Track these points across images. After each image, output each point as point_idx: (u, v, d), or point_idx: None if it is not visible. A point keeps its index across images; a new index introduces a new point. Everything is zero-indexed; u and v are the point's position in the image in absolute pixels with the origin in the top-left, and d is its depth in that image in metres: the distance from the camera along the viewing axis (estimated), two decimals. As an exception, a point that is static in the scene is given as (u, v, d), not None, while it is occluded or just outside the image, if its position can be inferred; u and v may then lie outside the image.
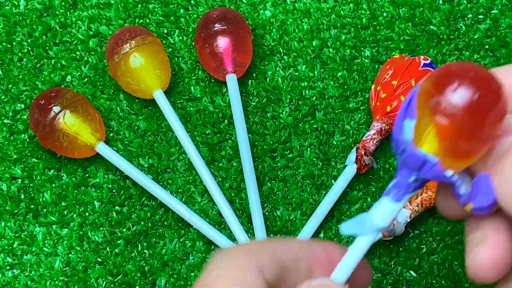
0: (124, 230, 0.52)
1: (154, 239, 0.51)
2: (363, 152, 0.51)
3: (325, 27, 0.58)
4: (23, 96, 0.56)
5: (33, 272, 0.51)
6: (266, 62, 0.57)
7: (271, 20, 0.58)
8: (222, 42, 0.54)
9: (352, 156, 0.51)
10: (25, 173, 0.53)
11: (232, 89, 0.54)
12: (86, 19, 0.58)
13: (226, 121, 0.55)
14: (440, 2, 0.58)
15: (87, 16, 0.58)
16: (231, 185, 0.53)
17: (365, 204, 0.52)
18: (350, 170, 0.51)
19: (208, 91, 0.56)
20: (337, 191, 0.51)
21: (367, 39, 0.57)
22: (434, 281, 0.50)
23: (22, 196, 0.53)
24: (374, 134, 0.51)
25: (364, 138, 0.52)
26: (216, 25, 0.54)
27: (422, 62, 0.52)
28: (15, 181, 0.53)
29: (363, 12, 0.58)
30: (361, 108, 0.55)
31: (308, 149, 0.54)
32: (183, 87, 0.56)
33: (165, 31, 0.58)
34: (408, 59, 0.52)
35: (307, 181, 0.53)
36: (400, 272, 0.50)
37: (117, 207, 0.53)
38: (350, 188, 0.52)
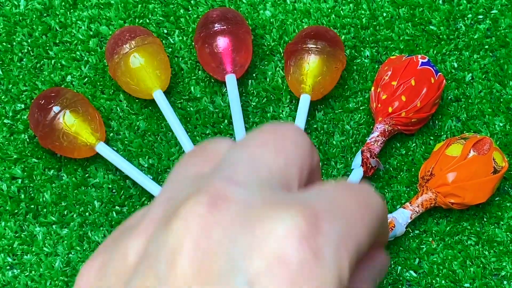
0: (124, 230, 0.52)
1: (154, 239, 0.51)
2: (368, 155, 0.51)
3: (325, 27, 0.58)
4: (23, 96, 0.56)
5: (33, 272, 0.51)
6: (266, 62, 0.57)
7: (271, 20, 0.58)
8: (222, 42, 0.54)
9: (358, 159, 0.51)
10: (25, 173, 0.53)
11: (231, 89, 0.54)
12: (86, 19, 0.58)
13: (226, 121, 0.55)
14: (440, 2, 0.58)
15: (87, 16, 0.58)
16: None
17: (365, 204, 0.52)
18: (357, 174, 0.51)
19: (208, 91, 0.56)
20: None
21: (367, 39, 0.57)
22: (434, 281, 0.50)
23: (22, 196, 0.53)
24: (378, 136, 0.51)
25: (368, 141, 0.51)
26: (216, 25, 0.54)
27: (420, 61, 0.52)
28: (15, 181, 0.53)
29: (362, 12, 0.58)
30: (361, 108, 0.55)
31: (308, 149, 0.54)
32: (183, 87, 0.56)
33: (165, 31, 0.58)
34: (405, 59, 0.52)
35: (307, 181, 0.53)
36: (400, 272, 0.50)
37: (117, 207, 0.53)
38: (350, 188, 0.52)
